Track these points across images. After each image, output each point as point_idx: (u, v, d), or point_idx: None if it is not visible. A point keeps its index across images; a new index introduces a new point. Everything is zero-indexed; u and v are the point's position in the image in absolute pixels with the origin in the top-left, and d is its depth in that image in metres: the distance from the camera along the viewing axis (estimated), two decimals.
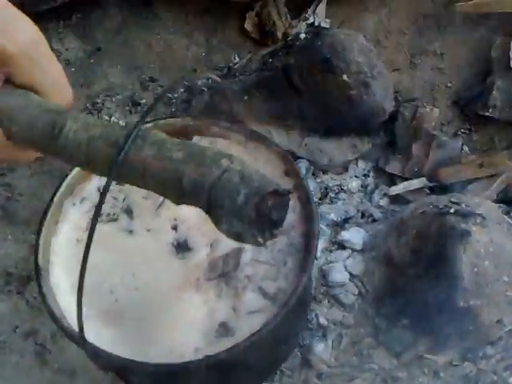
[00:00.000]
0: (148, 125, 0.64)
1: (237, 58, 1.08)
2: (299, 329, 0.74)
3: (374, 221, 0.94)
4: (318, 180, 0.97)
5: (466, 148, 0.96)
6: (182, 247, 0.61)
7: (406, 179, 0.95)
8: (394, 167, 0.96)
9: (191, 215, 0.61)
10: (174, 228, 0.62)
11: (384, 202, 0.96)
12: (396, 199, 0.96)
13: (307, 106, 0.93)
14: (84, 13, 1.08)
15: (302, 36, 0.93)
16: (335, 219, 0.93)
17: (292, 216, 0.61)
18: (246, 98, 0.96)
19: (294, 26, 1.04)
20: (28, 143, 0.44)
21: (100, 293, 0.59)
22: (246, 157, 0.64)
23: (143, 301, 0.58)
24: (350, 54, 0.91)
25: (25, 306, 0.87)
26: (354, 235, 0.90)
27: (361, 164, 0.99)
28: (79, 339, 0.43)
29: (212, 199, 0.36)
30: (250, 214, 0.36)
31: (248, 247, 0.59)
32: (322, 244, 0.90)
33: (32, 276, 0.87)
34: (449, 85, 1.01)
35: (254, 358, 0.60)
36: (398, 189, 0.93)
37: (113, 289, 0.59)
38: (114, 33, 1.08)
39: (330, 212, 0.93)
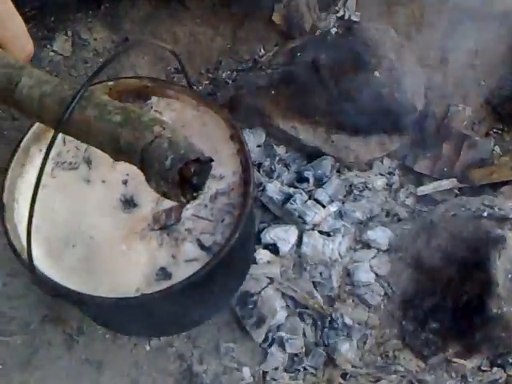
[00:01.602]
0: (110, 83, 0.69)
1: (262, 51, 1.06)
2: (235, 278, 0.80)
3: (400, 220, 0.93)
4: (343, 177, 0.96)
5: (497, 148, 0.95)
6: (128, 203, 0.66)
7: (434, 179, 0.94)
8: (422, 166, 0.95)
9: (140, 173, 0.67)
10: (125, 183, 0.68)
11: (410, 201, 0.95)
12: (423, 199, 0.94)
13: (336, 103, 0.91)
14: (112, 3, 1.08)
15: (333, 30, 0.91)
16: (360, 217, 0.92)
17: (232, 178, 0.67)
18: (272, 92, 0.95)
19: (323, 18, 1.02)
20: None
21: (58, 236, 0.65)
22: (196, 120, 0.70)
23: (94, 247, 0.64)
24: (382, 50, 0.89)
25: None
26: (380, 235, 0.90)
27: (386, 162, 0.98)
28: (29, 267, 0.51)
29: (144, 160, 0.42)
30: (174, 177, 0.41)
31: (189, 205, 0.65)
32: (346, 242, 0.90)
33: None
34: (482, 83, 0.99)
35: (190, 300, 0.67)
36: (428, 189, 0.92)
37: (70, 235, 0.65)
38: (142, 23, 1.08)
39: (355, 210, 0.93)
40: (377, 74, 0.87)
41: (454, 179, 0.91)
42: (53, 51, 1.05)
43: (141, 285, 0.62)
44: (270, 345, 0.85)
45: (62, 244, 0.64)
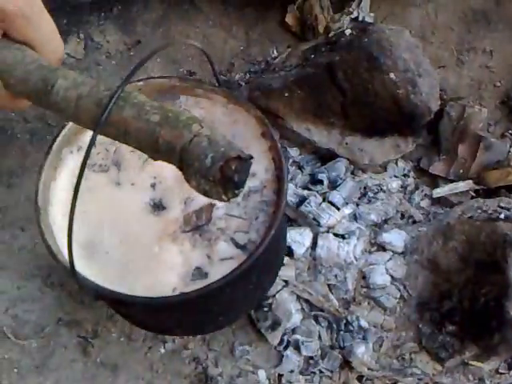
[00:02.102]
0: (139, 83, 0.69)
1: (275, 52, 1.06)
2: (269, 276, 0.80)
3: (415, 222, 0.93)
4: (357, 179, 0.95)
5: None
6: (157, 206, 0.66)
7: (450, 181, 0.93)
8: (437, 168, 0.94)
9: (168, 175, 0.68)
10: (153, 186, 0.67)
11: (425, 203, 0.95)
12: (438, 201, 0.94)
13: (350, 105, 0.91)
14: (125, 5, 1.07)
15: (348, 32, 0.90)
16: (375, 220, 0.92)
17: (265, 176, 0.67)
18: (286, 94, 0.94)
19: (337, 20, 1.01)
20: (23, 95, 0.49)
21: (89, 239, 0.65)
22: (226, 118, 0.70)
23: (127, 250, 0.64)
24: (397, 52, 0.88)
25: (67, 298, 0.88)
26: (395, 237, 0.89)
27: (400, 164, 0.97)
28: (70, 271, 0.50)
29: (183, 160, 0.42)
30: (215, 175, 0.41)
31: (221, 204, 0.65)
32: (361, 245, 0.89)
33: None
34: (497, 84, 0.99)
35: (227, 298, 0.67)
36: (443, 191, 0.92)
37: (102, 239, 0.65)
38: (154, 25, 1.07)
39: (370, 212, 0.92)
40: (392, 75, 0.87)
41: (470, 181, 0.90)
42: (66, 54, 1.05)
43: (177, 285, 0.62)
44: (286, 348, 0.84)
45: (94, 247, 0.64)
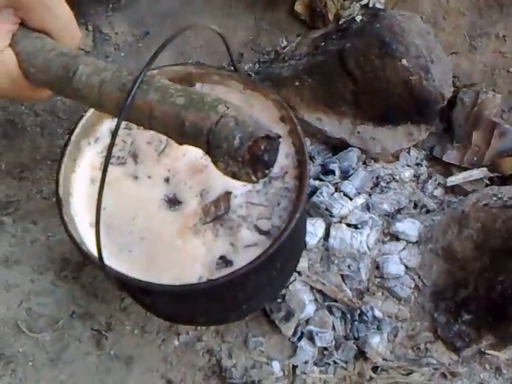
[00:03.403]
0: (154, 71, 0.68)
1: (285, 42, 1.05)
2: (291, 263, 0.80)
3: (428, 211, 0.92)
4: (369, 169, 0.94)
5: None
6: (172, 201, 0.66)
7: (463, 169, 0.92)
8: (451, 156, 0.93)
9: (181, 168, 0.67)
10: (166, 180, 0.67)
11: (438, 192, 0.94)
12: (452, 190, 0.93)
13: (362, 93, 0.90)
14: None
15: (359, 18, 0.89)
16: (388, 209, 0.91)
17: (286, 161, 0.66)
18: (296, 83, 0.93)
19: (347, 7, 1.00)
20: (44, 84, 0.48)
21: (111, 237, 0.64)
22: (243, 103, 0.68)
23: (148, 245, 0.63)
24: (409, 37, 0.87)
25: (80, 291, 0.88)
26: (409, 226, 0.89)
27: (413, 153, 0.96)
28: (99, 263, 0.50)
29: (210, 142, 0.41)
30: (244, 156, 0.40)
31: (239, 192, 0.65)
32: (374, 235, 0.89)
33: (87, 262, 0.88)
34: (511, 69, 0.97)
35: (252, 285, 0.67)
36: (457, 179, 0.90)
37: (123, 237, 0.65)
38: (162, 17, 1.06)
39: (383, 202, 0.91)
40: (404, 61, 0.85)
41: (485, 168, 0.89)
42: None
43: (203, 274, 0.62)
44: (300, 339, 0.84)
45: (117, 246, 0.64)
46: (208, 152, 0.42)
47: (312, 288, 0.85)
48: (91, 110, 0.67)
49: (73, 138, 0.66)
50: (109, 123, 0.69)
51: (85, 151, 0.68)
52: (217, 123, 0.41)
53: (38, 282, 0.89)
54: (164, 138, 0.61)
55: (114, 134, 0.42)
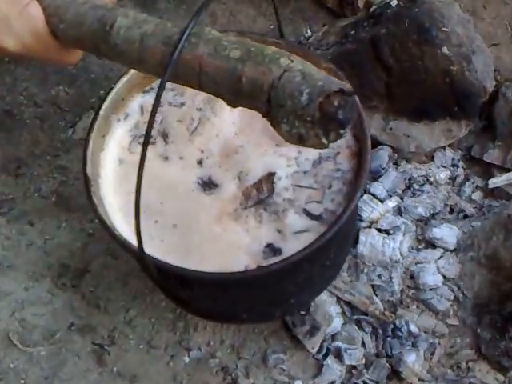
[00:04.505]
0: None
1: (309, 32, 1.00)
2: (343, 253, 0.76)
3: (466, 217, 0.86)
4: (401, 169, 0.88)
5: None
6: (207, 185, 0.62)
7: (506, 170, 0.86)
8: (493, 156, 0.86)
9: (215, 149, 0.63)
10: (200, 162, 0.62)
11: (477, 195, 0.88)
12: (492, 193, 0.87)
13: (396, 84, 0.84)
14: None
15: (394, 3, 0.83)
16: (423, 214, 0.84)
17: (339, 140, 0.61)
18: None
19: None
20: (76, 41, 0.44)
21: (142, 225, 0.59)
22: None
23: (184, 236, 0.59)
24: (450, 24, 0.81)
25: (80, 301, 0.83)
26: (447, 232, 0.82)
27: (449, 153, 0.90)
28: (139, 251, 0.47)
29: (272, 100, 0.36)
30: (314, 114, 0.35)
31: (283, 174, 0.61)
32: (408, 241, 0.83)
33: (88, 269, 0.84)
34: None
35: (303, 275, 0.62)
36: (500, 180, 0.84)
37: (154, 225, 0.60)
38: (177, 2, 1.02)
39: (417, 206, 0.85)
40: (445, 50, 0.79)
41: None
42: None
43: (249, 263, 0.58)
44: (325, 356, 0.78)
45: (149, 235, 0.58)
46: (267, 113, 0.37)
47: (339, 299, 0.80)
48: (121, 82, 0.62)
49: (101, 112, 0.62)
50: (139, 99, 0.65)
51: (114, 127, 0.64)
52: (280, 78, 0.36)
53: (33, 289, 0.83)
54: (196, 115, 0.57)
55: (158, 94, 0.37)
